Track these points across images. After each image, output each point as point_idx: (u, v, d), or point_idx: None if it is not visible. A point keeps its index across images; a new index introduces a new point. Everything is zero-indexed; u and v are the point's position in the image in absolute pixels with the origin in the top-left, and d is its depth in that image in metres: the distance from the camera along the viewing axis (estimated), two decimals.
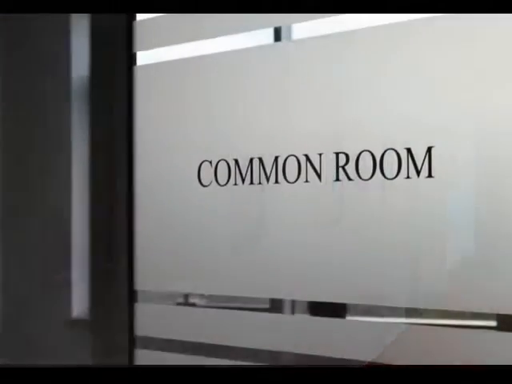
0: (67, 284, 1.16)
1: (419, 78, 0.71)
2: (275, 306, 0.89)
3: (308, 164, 0.79)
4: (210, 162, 0.87)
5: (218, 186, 0.87)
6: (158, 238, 0.96)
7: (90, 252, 1.09)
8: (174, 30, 0.91)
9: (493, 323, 0.69)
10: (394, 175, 0.72)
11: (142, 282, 0.94)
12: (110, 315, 0.95)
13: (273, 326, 0.82)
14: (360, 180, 0.74)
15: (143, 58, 0.96)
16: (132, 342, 0.92)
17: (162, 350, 0.88)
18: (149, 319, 0.93)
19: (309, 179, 0.78)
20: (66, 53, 1.29)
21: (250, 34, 0.84)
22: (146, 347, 0.91)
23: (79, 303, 1.10)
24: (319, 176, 0.78)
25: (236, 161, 0.85)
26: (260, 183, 0.83)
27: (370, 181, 0.74)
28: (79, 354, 1.00)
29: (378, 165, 0.73)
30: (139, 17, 0.94)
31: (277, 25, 0.83)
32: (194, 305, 0.96)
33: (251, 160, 0.84)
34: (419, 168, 0.70)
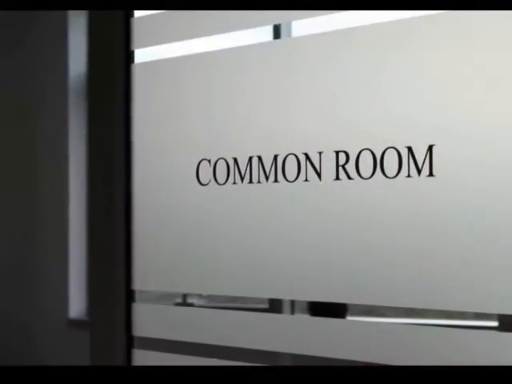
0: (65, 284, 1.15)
1: (420, 77, 0.70)
2: (274, 306, 0.88)
3: (308, 163, 0.78)
4: (209, 161, 0.87)
5: (217, 185, 0.86)
6: (157, 236, 0.95)
7: (88, 252, 1.09)
8: (172, 28, 0.90)
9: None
10: (395, 174, 0.71)
11: (139, 282, 0.94)
12: (108, 315, 0.95)
13: (272, 326, 0.81)
14: (360, 179, 0.74)
15: (142, 55, 0.95)
16: (130, 342, 0.91)
17: (160, 350, 0.88)
18: (147, 319, 0.93)
19: (308, 178, 0.78)
20: (64, 51, 1.28)
21: (248, 32, 0.84)
22: (143, 347, 0.91)
23: (77, 303, 1.09)
24: (319, 175, 0.77)
25: (235, 159, 0.85)
26: (259, 182, 0.82)
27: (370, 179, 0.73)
28: (77, 354, 1.00)
29: (379, 164, 0.72)
30: (137, 14, 0.93)
31: (276, 22, 0.83)
32: (192, 305, 0.95)
33: (250, 159, 0.83)
34: (420, 167, 0.70)
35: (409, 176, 0.70)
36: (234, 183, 0.84)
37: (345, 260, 0.75)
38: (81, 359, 1.01)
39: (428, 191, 0.69)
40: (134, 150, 0.96)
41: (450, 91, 0.68)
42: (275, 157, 0.80)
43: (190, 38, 0.90)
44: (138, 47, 0.95)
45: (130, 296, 0.93)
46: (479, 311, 0.67)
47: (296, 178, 0.78)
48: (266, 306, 0.89)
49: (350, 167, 0.74)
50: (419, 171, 0.69)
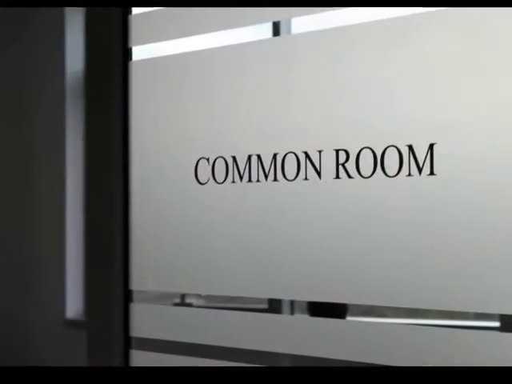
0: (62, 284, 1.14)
1: (421, 75, 0.69)
2: (274, 306, 0.88)
3: (307, 161, 0.77)
4: (208, 160, 0.86)
5: (216, 184, 0.85)
6: (154, 236, 0.94)
7: (85, 251, 1.08)
8: (170, 25, 0.90)
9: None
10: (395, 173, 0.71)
11: (137, 282, 0.93)
12: (105, 315, 0.94)
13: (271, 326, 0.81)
14: (360, 178, 0.73)
15: (140, 53, 0.94)
16: (127, 342, 0.90)
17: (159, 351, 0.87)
18: (144, 320, 0.92)
19: (308, 177, 0.77)
20: (61, 48, 1.27)
21: (248, 29, 0.83)
22: (141, 348, 0.90)
23: (74, 303, 1.09)
24: (319, 174, 0.77)
25: (234, 158, 0.84)
26: (258, 181, 0.81)
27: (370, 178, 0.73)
28: (74, 355, 0.99)
29: (379, 162, 0.72)
30: (135, 11, 0.92)
31: (275, 19, 0.82)
32: (190, 305, 0.94)
33: (249, 157, 0.82)
34: (421, 165, 0.69)
35: (409, 175, 0.69)
36: (233, 182, 0.83)
37: (345, 259, 0.75)
38: (78, 360, 1.00)
39: (429, 190, 0.68)
40: (131, 148, 0.95)
41: (451, 89, 0.67)
42: (274, 155, 0.80)
43: (189, 35, 0.89)
44: (136, 44, 0.94)
45: (127, 296, 0.92)
46: (481, 311, 0.67)
47: (295, 177, 0.78)
48: (266, 306, 0.88)
49: (350, 166, 0.74)
50: (420, 170, 0.69)
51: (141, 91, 0.94)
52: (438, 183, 0.68)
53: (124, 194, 0.95)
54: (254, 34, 0.83)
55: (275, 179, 0.79)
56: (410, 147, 0.69)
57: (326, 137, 0.76)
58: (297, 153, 0.78)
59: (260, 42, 0.83)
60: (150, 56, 0.93)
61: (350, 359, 0.72)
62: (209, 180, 0.86)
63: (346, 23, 0.75)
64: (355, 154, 0.73)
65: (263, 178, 0.81)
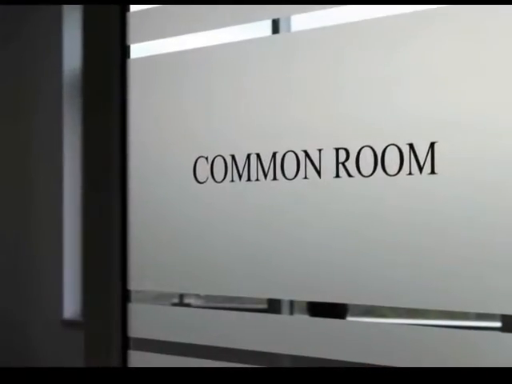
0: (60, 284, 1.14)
1: (422, 73, 0.69)
2: (273, 306, 0.87)
3: (307, 160, 0.77)
4: (206, 158, 0.85)
5: (214, 183, 0.85)
6: (153, 236, 0.93)
7: (83, 251, 1.07)
8: (168, 22, 0.89)
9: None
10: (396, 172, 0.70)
11: (135, 282, 0.92)
12: (103, 316, 0.93)
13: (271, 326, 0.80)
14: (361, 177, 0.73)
15: (138, 50, 0.93)
16: (125, 342, 0.89)
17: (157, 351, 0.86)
18: (142, 320, 0.91)
19: (308, 176, 0.77)
20: (58, 45, 1.26)
21: (247, 27, 0.82)
22: (139, 348, 0.89)
23: (71, 303, 1.08)
24: (318, 173, 0.76)
25: (233, 157, 0.83)
26: (258, 180, 0.81)
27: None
28: (71, 355, 0.98)
29: (380, 161, 0.71)
30: (133, 8, 0.91)
31: (275, 16, 0.81)
32: (189, 305, 0.94)
33: (248, 156, 0.82)
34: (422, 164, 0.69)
35: (410, 174, 0.69)
36: (232, 181, 0.82)
37: (345, 259, 0.74)
38: (75, 360, 0.99)
39: (429, 189, 0.68)
40: (130, 146, 0.94)
41: (451, 87, 0.66)
42: (274, 154, 0.79)
43: (187, 32, 0.88)
44: (134, 42, 0.93)
45: (125, 296, 0.91)
46: (481, 311, 0.66)
47: (295, 176, 0.77)
48: (265, 306, 0.88)
49: (350, 164, 0.73)
50: (421, 169, 0.68)
51: (139, 89, 0.93)
52: (439, 182, 0.67)
53: (122, 194, 0.94)
54: (254, 32, 0.82)
55: (275, 178, 0.79)
56: (411, 146, 0.69)
57: (326, 135, 0.75)
58: (296, 151, 0.77)
59: (259, 39, 0.83)
60: (148, 54, 0.93)
61: (350, 359, 0.72)
62: (208, 179, 0.85)
63: (345, 21, 0.74)
64: (355, 153, 0.73)
65: (263, 176, 0.80)
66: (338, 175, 0.74)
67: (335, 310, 0.77)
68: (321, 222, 0.76)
